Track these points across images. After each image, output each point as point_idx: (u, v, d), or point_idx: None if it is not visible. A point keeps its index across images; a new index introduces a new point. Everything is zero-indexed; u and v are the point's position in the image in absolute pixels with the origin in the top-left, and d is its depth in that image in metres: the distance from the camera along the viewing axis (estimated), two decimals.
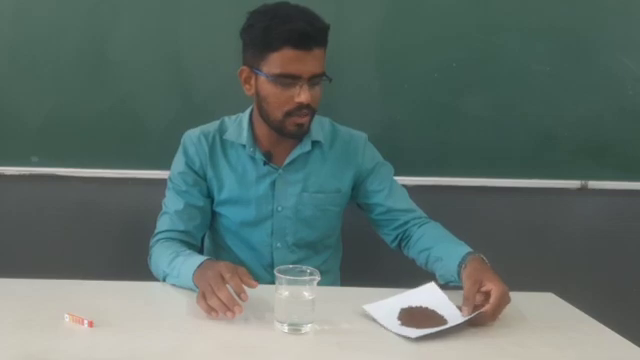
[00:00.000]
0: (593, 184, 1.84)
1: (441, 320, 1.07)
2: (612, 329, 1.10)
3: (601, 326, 1.12)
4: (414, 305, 1.11)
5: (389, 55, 1.75)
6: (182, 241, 1.33)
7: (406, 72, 1.76)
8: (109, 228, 1.81)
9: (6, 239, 1.78)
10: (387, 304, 1.12)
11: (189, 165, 1.37)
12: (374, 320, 1.08)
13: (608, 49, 1.77)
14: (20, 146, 1.75)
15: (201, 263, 1.15)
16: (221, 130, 1.39)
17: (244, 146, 1.36)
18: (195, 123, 1.44)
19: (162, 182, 1.45)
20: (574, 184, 1.84)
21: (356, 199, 1.45)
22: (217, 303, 1.03)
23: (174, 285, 1.22)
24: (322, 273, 1.04)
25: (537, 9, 1.74)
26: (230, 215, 1.39)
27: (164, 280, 1.24)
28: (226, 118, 1.42)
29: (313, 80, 1.24)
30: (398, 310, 1.10)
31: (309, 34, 1.20)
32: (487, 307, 1.07)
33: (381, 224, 1.44)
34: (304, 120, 1.27)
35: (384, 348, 0.98)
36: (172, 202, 1.36)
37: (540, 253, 1.88)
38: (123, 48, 1.71)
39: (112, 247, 1.82)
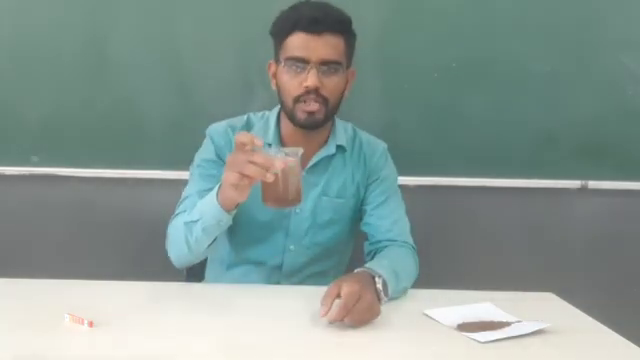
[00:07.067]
0: (593, 184, 1.84)
1: (501, 325, 1.07)
2: (612, 329, 1.10)
3: (601, 326, 1.12)
4: (472, 316, 1.11)
5: (389, 55, 1.76)
6: None
7: (406, 72, 1.76)
8: (109, 228, 1.81)
9: (6, 239, 1.78)
10: (448, 311, 1.12)
11: (218, 154, 1.33)
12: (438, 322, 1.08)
13: (608, 49, 1.77)
14: (20, 146, 1.75)
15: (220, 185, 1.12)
16: (248, 126, 1.38)
17: (269, 145, 1.33)
18: (195, 123, 1.44)
19: (162, 182, 1.45)
20: (574, 184, 1.84)
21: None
22: (253, 169, 1.02)
23: (201, 239, 1.19)
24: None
25: (537, 9, 1.74)
26: (247, 213, 1.32)
27: (187, 242, 1.20)
28: (251, 114, 1.40)
29: (326, 66, 1.23)
30: (458, 317, 1.09)
31: (318, 18, 1.22)
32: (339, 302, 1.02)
33: (364, 233, 1.41)
34: (313, 108, 1.25)
35: (384, 348, 0.98)
36: (196, 184, 1.30)
37: (540, 253, 1.88)
38: (123, 48, 1.71)
39: (112, 247, 1.82)
